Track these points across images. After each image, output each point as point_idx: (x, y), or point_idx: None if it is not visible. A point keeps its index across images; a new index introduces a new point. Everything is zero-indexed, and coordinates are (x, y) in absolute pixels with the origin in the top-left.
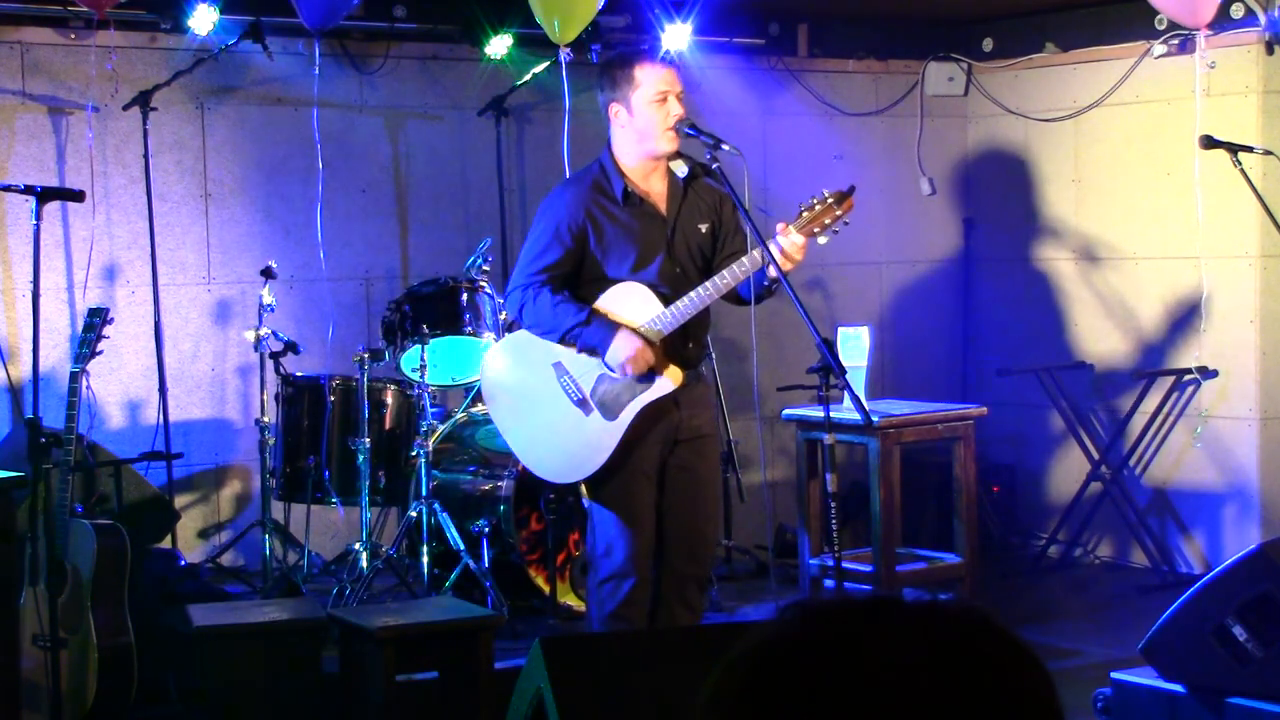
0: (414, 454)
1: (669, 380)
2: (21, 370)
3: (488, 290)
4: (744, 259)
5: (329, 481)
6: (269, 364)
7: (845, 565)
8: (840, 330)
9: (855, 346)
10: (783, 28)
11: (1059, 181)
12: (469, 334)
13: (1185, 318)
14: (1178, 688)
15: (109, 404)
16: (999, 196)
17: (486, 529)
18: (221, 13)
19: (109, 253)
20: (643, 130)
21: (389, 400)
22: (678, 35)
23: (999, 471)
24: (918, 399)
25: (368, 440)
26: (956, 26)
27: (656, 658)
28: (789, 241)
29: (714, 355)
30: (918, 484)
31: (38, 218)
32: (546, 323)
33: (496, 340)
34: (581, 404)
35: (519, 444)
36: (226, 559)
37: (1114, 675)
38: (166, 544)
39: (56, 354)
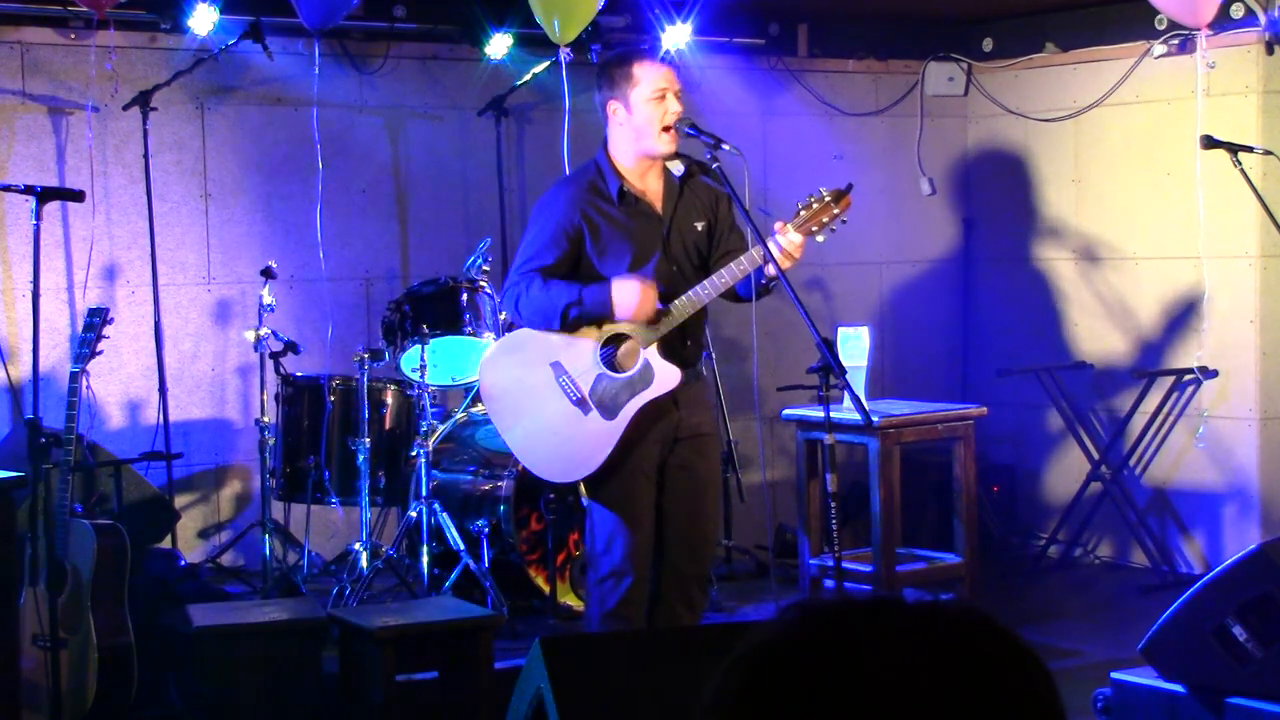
0: (414, 454)
1: (668, 379)
2: (21, 370)
3: (488, 290)
4: (742, 257)
5: (329, 481)
6: (269, 364)
7: (845, 565)
8: (840, 330)
9: (855, 346)
10: (783, 28)
11: (1059, 181)
12: (469, 334)
13: (1185, 318)
14: (1178, 688)
15: (109, 404)
16: (999, 196)
17: (486, 529)
18: (221, 13)
19: (109, 253)
20: (640, 128)
21: (389, 400)
22: (678, 35)
23: (999, 471)
24: (918, 399)
25: (368, 440)
26: (956, 26)
27: (656, 658)
28: (787, 240)
29: (714, 355)
30: (918, 484)
31: (38, 218)
32: (543, 308)
33: (496, 340)
34: (580, 403)
35: (518, 444)
36: (226, 559)
37: (1114, 675)
38: (166, 544)
39: (56, 354)
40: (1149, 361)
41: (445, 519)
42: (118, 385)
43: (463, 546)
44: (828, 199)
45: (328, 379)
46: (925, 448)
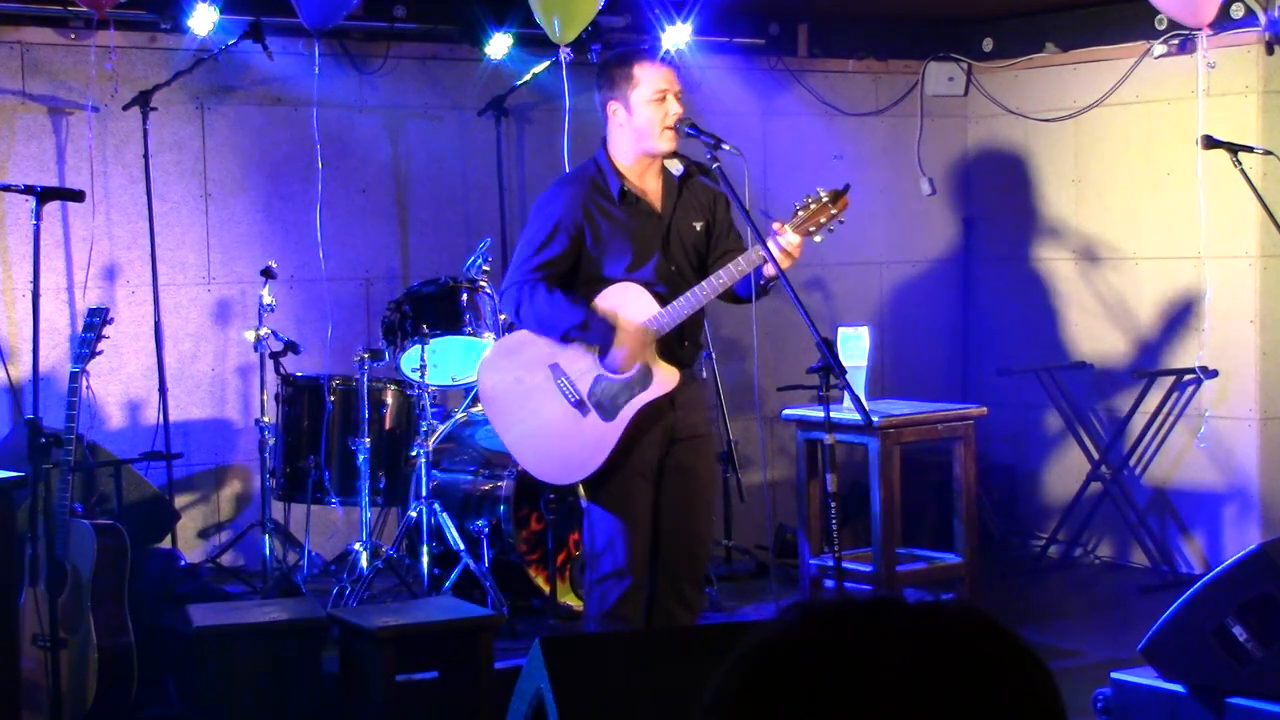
0: (414, 454)
1: (666, 380)
2: (21, 370)
3: (488, 290)
4: (740, 258)
5: (329, 481)
6: (269, 364)
7: (845, 565)
8: (840, 330)
9: (855, 346)
10: (783, 28)
11: (1059, 181)
12: (469, 334)
13: (1185, 318)
14: (1178, 688)
15: (109, 404)
16: (999, 196)
17: (486, 529)
18: (221, 13)
19: (109, 253)
20: (640, 129)
21: (389, 400)
22: (678, 35)
23: (999, 471)
24: (918, 399)
25: (368, 440)
26: (956, 26)
27: (656, 658)
28: (785, 240)
29: (714, 355)
30: (918, 484)
31: (38, 218)
32: (545, 322)
33: (497, 340)
34: (579, 405)
35: (516, 445)
36: (226, 559)
37: (1114, 675)
38: (166, 544)
39: (56, 354)
40: (1149, 361)
41: (445, 519)
42: (118, 385)
43: (463, 546)
44: (825, 200)
45: (328, 379)
46: (925, 448)
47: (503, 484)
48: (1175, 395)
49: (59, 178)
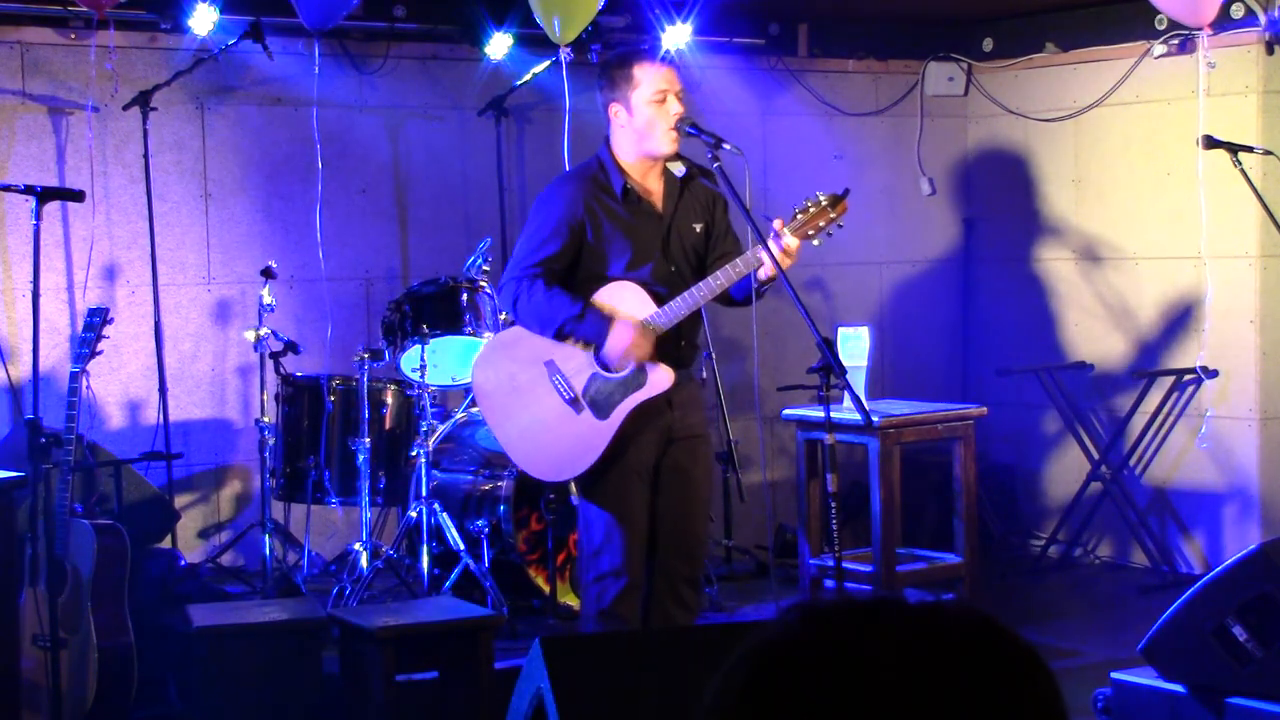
0: (414, 454)
1: (661, 380)
2: (21, 370)
3: (488, 290)
4: (739, 259)
5: (329, 481)
6: (269, 364)
7: (845, 565)
8: (840, 330)
9: (855, 346)
10: (783, 28)
11: (1059, 181)
12: (469, 334)
13: (1185, 318)
14: (1178, 688)
15: (109, 404)
16: (999, 196)
17: (486, 529)
18: (221, 13)
19: (109, 253)
20: (641, 130)
21: (389, 400)
22: (678, 35)
23: (999, 471)
24: (918, 399)
25: (368, 440)
26: (956, 26)
27: (656, 658)
28: (784, 242)
29: (714, 355)
30: (918, 484)
31: (38, 218)
32: (541, 316)
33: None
34: (573, 402)
35: (510, 442)
36: (226, 559)
37: (1114, 675)
38: (166, 544)
39: (56, 354)
40: (1149, 361)
41: (445, 519)
42: (118, 385)
43: (463, 546)
44: (824, 203)
45: (328, 379)
46: (925, 448)
47: (503, 484)
48: (1175, 395)
49: (59, 178)
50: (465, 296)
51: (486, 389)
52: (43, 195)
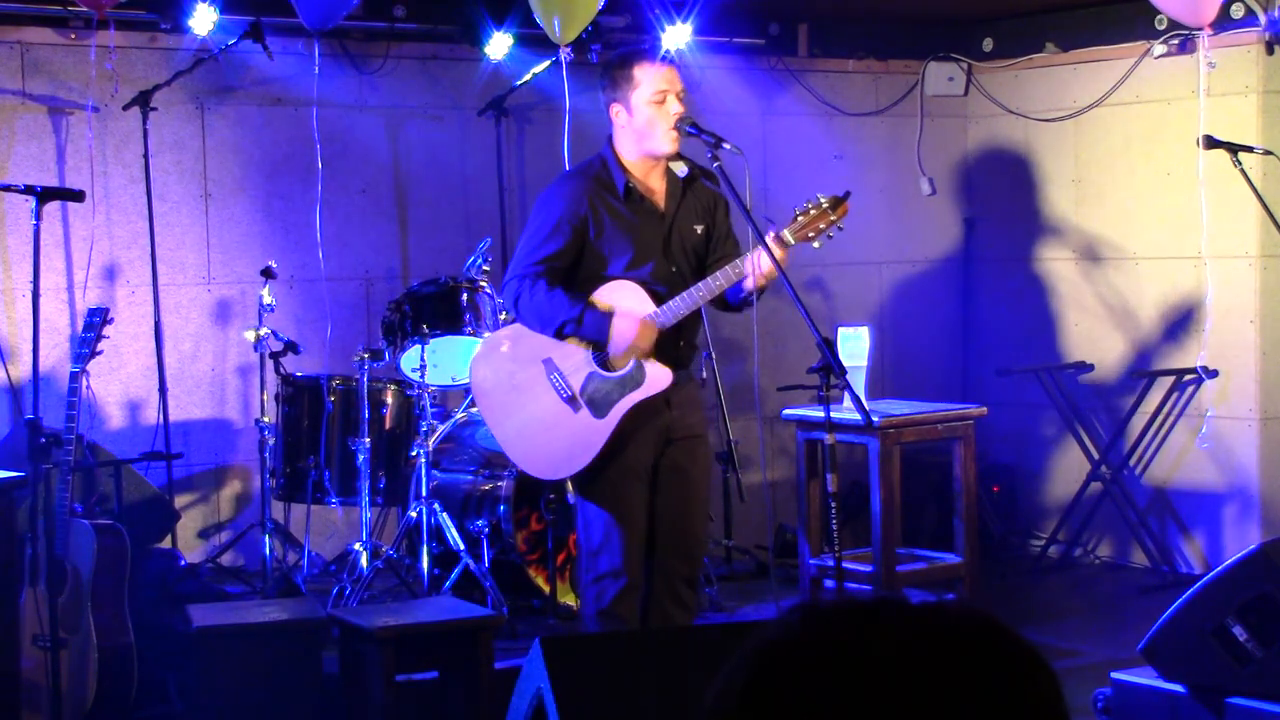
0: (414, 454)
1: (659, 379)
2: (21, 370)
3: (488, 290)
4: (738, 261)
5: (329, 481)
6: (269, 364)
7: (845, 565)
8: (840, 330)
9: (855, 346)
10: (783, 28)
11: (1059, 181)
12: (469, 334)
13: (1186, 318)
14: (1178, 688)
15: (109, 404)
16: (999, 196)
17: (486, 529)
18: (221, 13)
19: (109, 253)
20: (642, 130)
21: (389, 400)
22: (678, 35)
23: (999, 471)
24: (918, 399)
25: (368, 440)
26: (956, 26)
27: (656, 658)
28: (777, 254)
29: (714, 355)
30: (918, 484)
31: (38, 218)
32: (542, 314)
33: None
34: (570, 401)
35: (507, 440)
36: (226, 559)
37: (1114, 675)
38: (166, 544)
39: (56, 354)
40: (1149, 361)
41: (445, 519)
42: (118, 385)
43: (463, 546)
44: (825, 206)
45: (327, 379)
46: (925, 448)
47: (503, 484)
48: (1175, 395)
49: (59, 178)
50: (465, 296)
51: (484, 387)
52: (43, 195)
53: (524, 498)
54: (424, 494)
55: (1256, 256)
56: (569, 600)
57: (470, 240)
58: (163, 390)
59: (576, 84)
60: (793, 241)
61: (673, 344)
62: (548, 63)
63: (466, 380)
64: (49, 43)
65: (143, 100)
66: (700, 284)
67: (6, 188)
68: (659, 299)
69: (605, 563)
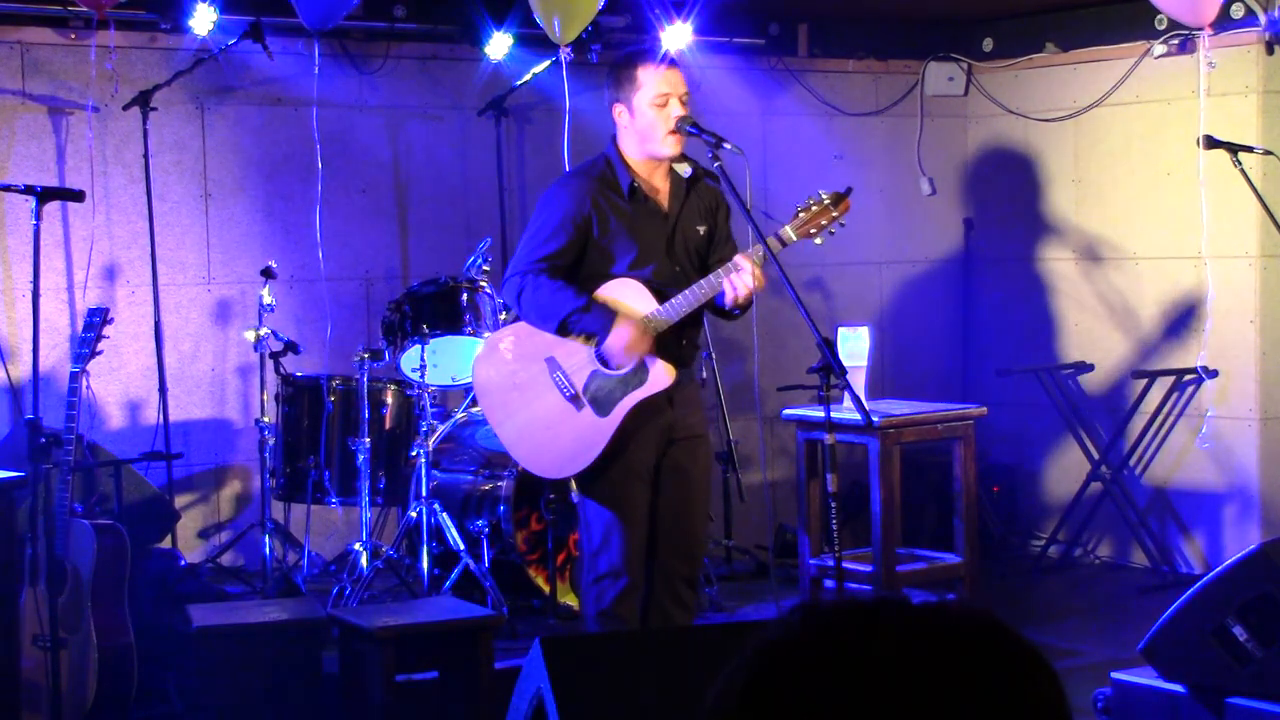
0: (414, 454)
1: (662, 377)
2: (21, 370)
3: (488, 290)
4: (719, 272)
5: (329, 481)
6: (269, 364)
7: (845, 565)
8: (840, 330)
9: (855, 346)
10: (783, 28)
11: (1059, 181)
12: (469, 334)
13: (1186, 318)
14: (1178, 688)
15: (109, 404)
16: (999, 196)
17: (486, 529)
18: (221, 13)
19: (109, 253)
20: (643, 132)
21: (389, 400)
22: (678, 35)
23: (999, 471)
24: (918, 399)
25: (368, 440)
26: (956, 26)
27: (657, 658)
28: (749, 276)
29: (714, 355)
30: (918, 484)
31: (38, 218)
32: (545, 308)
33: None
34: (573, 399)
35: (510, 439)
36: (226, 559)
37: (1114, 675)
38: (166, 544)
39: (56, 354)
40: (1149, 361)
41: (445, 519)
42: (118, 385)
43: (463, 546)
44: (827, 202)
45: (327, 379)
46: (925, 448)
47: (503, 484)
48: (1175, 395)
49: (59, 178)
50: (465, 296)
51: (487, 386)
52: (43, 195)
53: (524, 498)
54: (424, 494)
55: (1256, 256)
56: (569, 600)
57: (470, 240)
58: (163, 390)
59: (576, 84)
60: (795, 238)
61: (675, 343)
62: (548, 63)
63: (466, 380)
64: (49, 43)
65: (143, 100)
66: (703, 281)
67: (6, 188)
68: (662, 298)
69: (604, 564)
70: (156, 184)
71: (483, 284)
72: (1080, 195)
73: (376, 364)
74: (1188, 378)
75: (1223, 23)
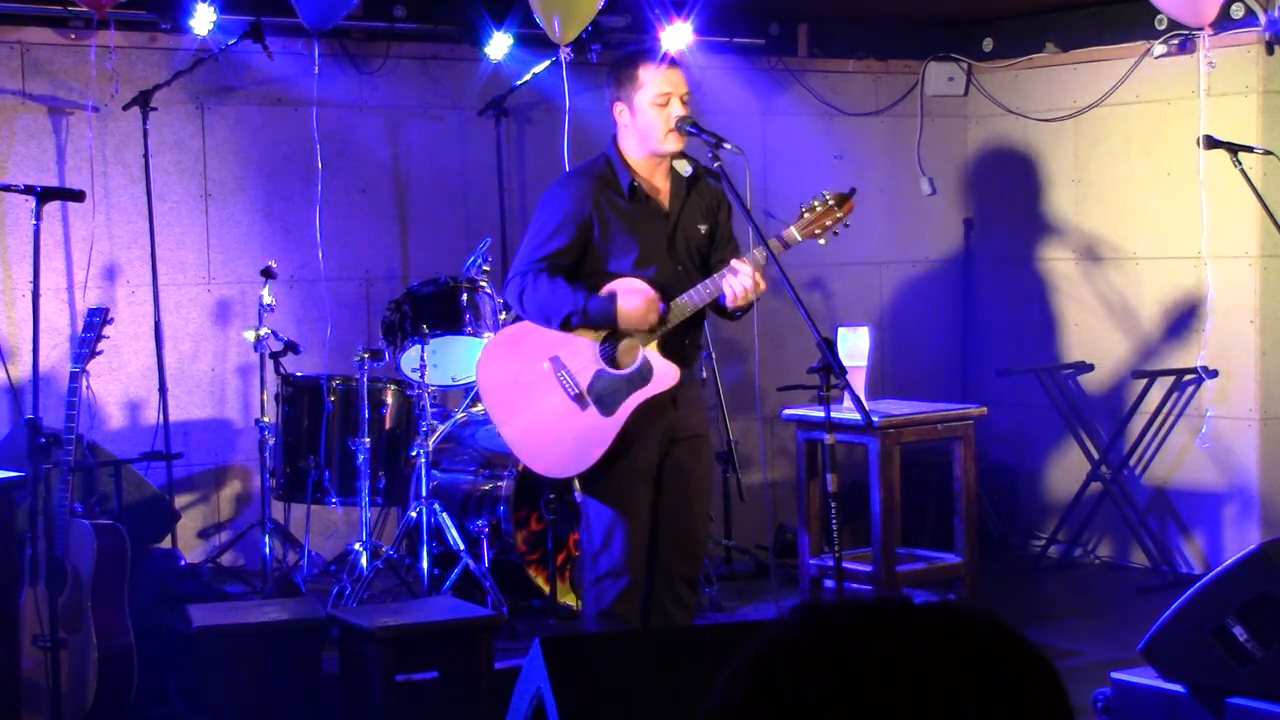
0: (414, 454)
1: (667, 376)
2: (21, 370)
3: (488, 290)
4: (716, 277)
5: (329, 481)
6: (269, 364)
7: (845, 565)
8: (840, 330)
9: (855, 346)
10: (783, 28)
11: (1059, 181)
12: (469, 334)
13: (1186, 318)
14: (1178, 688)
15: (109, 404)
16: (999, 196)
17: (486, 529)
18: (221, 13)
19: (109, 253)
20: (644, 131)
21: (389, 400)
22: (678, 35)
23: (999, 471)
24: (918, 399)
25: (368, 440)
26: (956, 26)
27: (657, 658)
28: (748, 279)
29: (714, 355)
30: (918, 484)
31: (38, 218)
32: (547, 307)
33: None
34: (578, 399)
35: (514, 438)
36: (226, 559)
37: (1114, 675)
38: (166, 544)
39: (56, 354)
40: (1149, 361)
41: (445, 519)
42: (118, 385)
43: (463, 546)
44: (831, 202)
45: (327, 379)
46: (925, 448)
47: (503, 484)
48: (1175, 395)
49: (59, 178)
50: (465, 296)
51: (491, 386)
52: (43, 195)
53: (524, 498)
54: (424, 494)
55: (1256, 256)
56: (569, 600)
57: (470, 240)
58: (163, 390)
59: (576, 84)
60: (800, 238)
61: (678, 342)
62: (548, 63)
63: (466, 380)
64: (49, 43)
65: (143, 100)
66: (706, 282)
67: (6, 188)
68: (664, 297)
69: (605, 564)
70: (156, 184)
71: (483, 284)
72: (1080, 195)
73: (376, 364)
74: (1188, 378)
75: (1223, 23)
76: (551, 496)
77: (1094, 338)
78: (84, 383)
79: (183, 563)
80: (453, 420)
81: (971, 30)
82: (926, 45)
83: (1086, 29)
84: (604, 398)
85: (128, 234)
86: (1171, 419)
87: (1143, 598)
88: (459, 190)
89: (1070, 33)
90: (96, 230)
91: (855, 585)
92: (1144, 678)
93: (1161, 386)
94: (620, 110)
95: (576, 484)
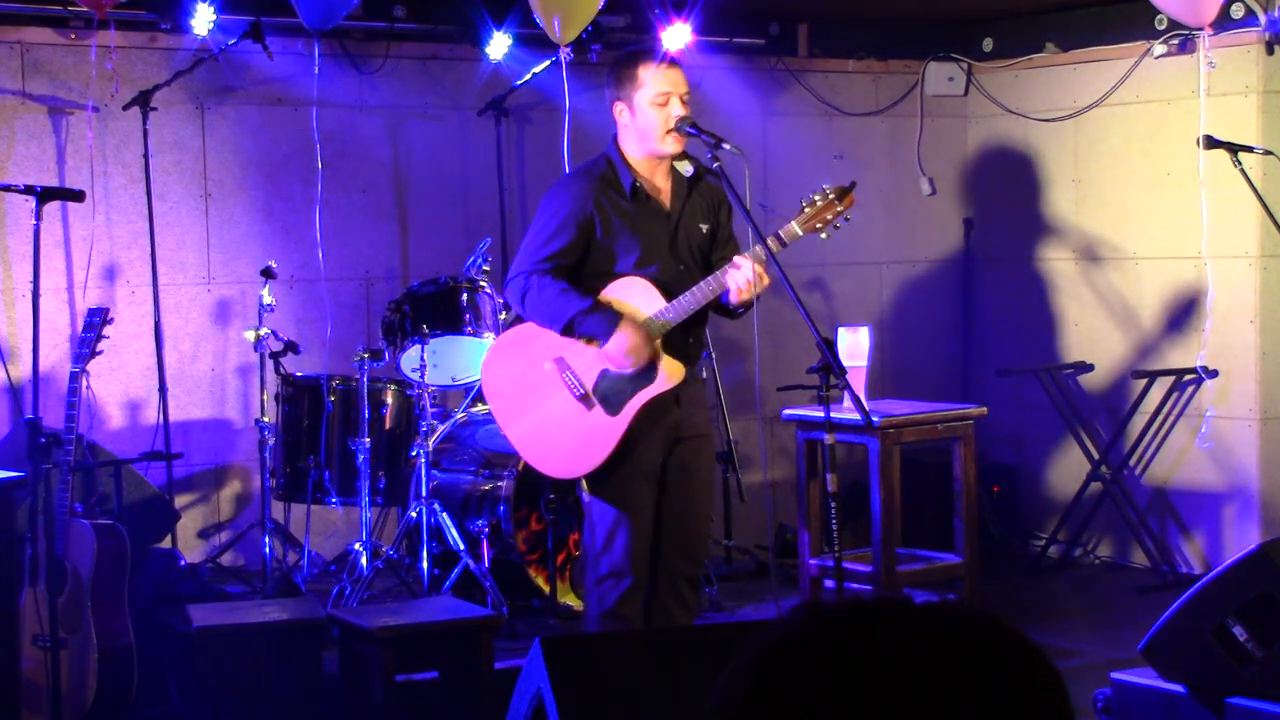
0: (414, 454)
1: (671, 376)
2: (21, 370)
3: (488, 290)
4: (719, 274)
5: (329, 481)
6: (269, 364)
7: (845, 565)
8: (840, 330)
9: (855, 346)
10: (783, 28)
11: (1059, 181)
12: (469, 334)
13: (1186, 318)
14: (1178, 688)
15: (109, 404)
16: (999, 196)
17: (486, 529)
18: (221, 13)
19: (109, 253)
20: (644, 130)
21: (389, 400)
22: (678, 35)
23: (999, 471)
24: (918, 399)
25: (368, 440)
26: (956, 26)
27: (656, 658)
28: (750, 272)
29: (714, 355)
30: (918, 484)
31: (38, 218)
32: (549, 310)
33: (499, 335)
34: (583, 399)
35: (520, 440)
36: (226, 559)
37: (1114, 675)
38: (166, 544)
39: (56, 354)
40: (1149, 361)
41: (445, 519)
42: (118, 385)
43: (463, 546)
44: (832, 196)
45: (327, 379)
46: (925, 448)
47: (503, 484)
48: (1175, 395)
49: (59, 178)
50: (465, 296)
51: (496, 387)
52: (43, 195)
53: (524, 498)
54: (424, 494)
55: (1256, 256)
56: (569, 600)
57: (470, 240)
58: (163, 390)
59: (576, 84)
60: (801, 232)
61: (682, 341)
62: (548, 63)
63: (466, 380)
64: (49, 43)
65: (143, 100)
66: (708, 279)
67: (6, 188)
68: (669, 297)
69: (606, 564)
70: (156, 184)
71: (483, 284)
72: (1080, 195)
73: (376, 364)
74: (1188, 378)
75: (1223, 23)
76: (551, 496)
77: (1094, 338)
78: (84, 383)
79: (183, 563)
80: (453, 420)
81: (971, 30)
82: (926, 45)
83: (1086, 29)
84: (609, 397)
85: (128, 234)
86: (1171, 419)
87: (1143, 598)
88: (459, 190)
89: (1070, 33)
90: (96, 230)
91: (855, 585)
92: (1144, 678)
93: (1161, 386)
94: (620, 110)
95: (583, 484)
